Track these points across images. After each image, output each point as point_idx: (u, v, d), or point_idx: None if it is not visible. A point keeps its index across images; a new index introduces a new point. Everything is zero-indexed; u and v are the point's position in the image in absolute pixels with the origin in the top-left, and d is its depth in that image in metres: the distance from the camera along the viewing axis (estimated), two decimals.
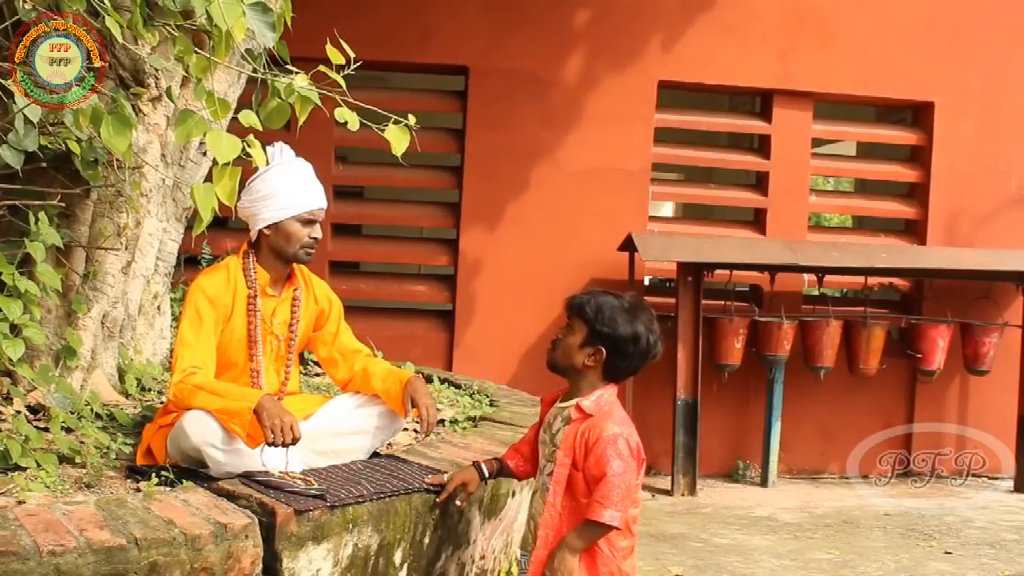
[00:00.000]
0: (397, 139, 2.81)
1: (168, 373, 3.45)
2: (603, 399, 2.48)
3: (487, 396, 4.28)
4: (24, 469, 2.63)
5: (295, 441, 2.61)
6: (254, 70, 3.06)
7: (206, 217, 2.64)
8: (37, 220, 2.91)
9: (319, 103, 2.79)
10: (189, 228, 3.58)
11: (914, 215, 6.69)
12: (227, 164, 2.56)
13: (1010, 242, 6.55)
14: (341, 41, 2.80)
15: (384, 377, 3.04)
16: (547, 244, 6.16)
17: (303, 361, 4.29)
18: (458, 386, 4.46)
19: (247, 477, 2.62)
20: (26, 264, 2.92)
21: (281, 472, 2.63)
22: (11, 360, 2.89)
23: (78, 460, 2.80)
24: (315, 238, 3.02)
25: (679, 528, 5.04)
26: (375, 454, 3.06)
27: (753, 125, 6.67)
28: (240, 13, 2.53)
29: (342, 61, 2.79)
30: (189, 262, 4.69)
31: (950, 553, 4.80)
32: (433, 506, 2.72)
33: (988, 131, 6.61)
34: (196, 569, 2.19)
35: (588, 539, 2.41)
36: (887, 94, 6.58)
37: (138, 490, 2.61)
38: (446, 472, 2.80)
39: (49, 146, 3.02)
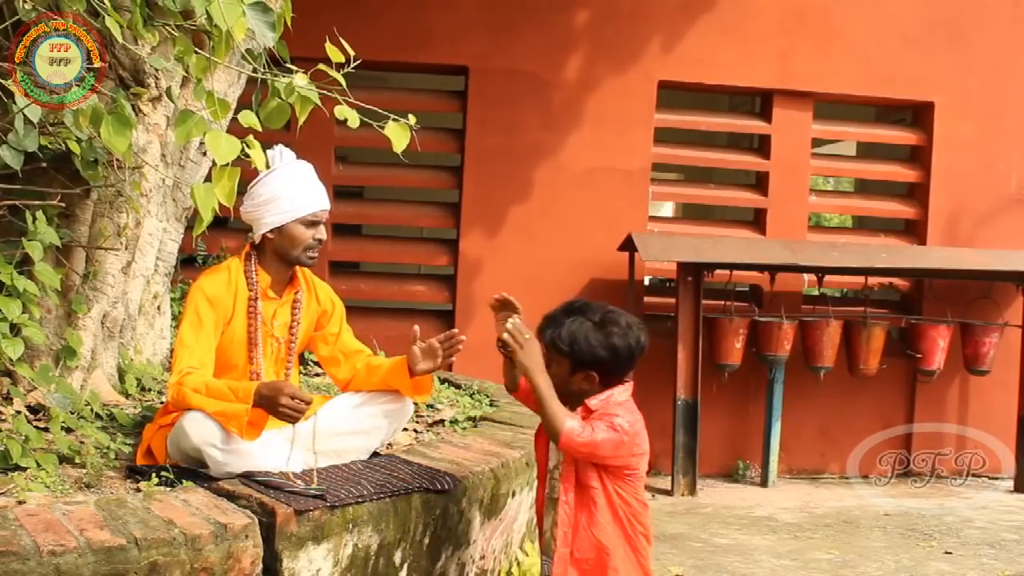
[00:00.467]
0: (397, 136, 2.80)
1: (168, 373, 3.44)
2: (612, 398, 2.49)
3: (487, 396, 4.29)
4: (24, 469, 2.63)
5: (309, 403, 2.65)
6: (254, 70, 3.06)
7: (206, 217, 2.63)
8: (35, 220, 2.91)
9: (319, 103, 2.78)
10: (189, 228, 3.58)
11: (914, 215, 6.68)
12: (226, 165, 2.56)
13: (1010, 242, 6.55)
14: (341, 39, 2.80)
15: (390, 364, 3.06)
16: (547, 244, 6.16)
17: (303, 361, 4.29)
18: (458, 386, 4.47)
19: (247, 477, 2.63)
20: (26, 264, 2.93)
21: (281, 472, 2.63)
22: (11, 360, 2.89)
23: (78, 460, 2.80)
24: (319, 239, 3.01)
25: (679, 528, 5.04)
26: (375, 454, 3.06)
27: (753, 125, 6.67)
28: (240, 13, 2.53)
29: (342, 59, 2.78)
30: (188, 262, 4.69)
31: (950, 553, 4.80)
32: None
33: (988, 131, 6.60)
34: (196, 569, 2.19)
35: (545, 399, 2.39)
36: (887, 94, 6.58)
37: (138, 490, 2.61)
38: (448, 467, 2.79)
39: (49, 146, 3.02)
